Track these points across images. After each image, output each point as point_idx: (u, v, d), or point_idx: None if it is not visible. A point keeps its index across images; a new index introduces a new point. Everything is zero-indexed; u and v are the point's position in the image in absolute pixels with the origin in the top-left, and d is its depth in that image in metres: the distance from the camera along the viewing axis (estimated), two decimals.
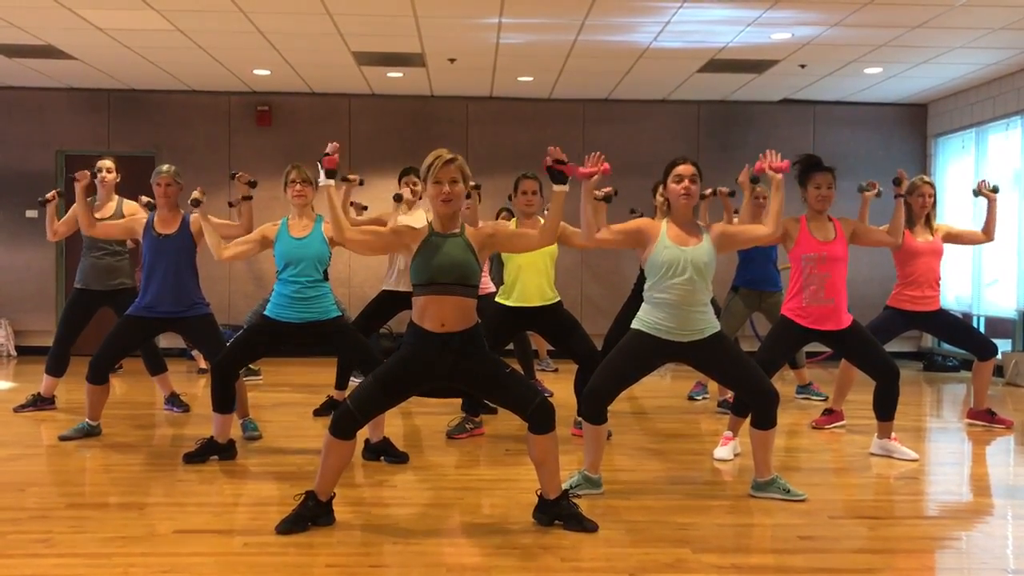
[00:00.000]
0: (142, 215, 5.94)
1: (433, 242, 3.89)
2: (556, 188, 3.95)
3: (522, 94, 10.19)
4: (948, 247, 6.24)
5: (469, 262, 3.88)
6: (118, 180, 6.59)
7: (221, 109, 10.41)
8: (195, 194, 5.24)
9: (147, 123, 10.32)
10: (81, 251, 6.63)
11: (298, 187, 5.24)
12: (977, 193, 6.31)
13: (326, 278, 5.26)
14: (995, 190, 6.22)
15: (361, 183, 6.26)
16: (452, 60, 8.63)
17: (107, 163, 6.57)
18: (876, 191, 5.67)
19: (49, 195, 6.32)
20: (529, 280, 5.65)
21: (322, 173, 4.08)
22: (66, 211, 6.46)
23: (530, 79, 9.50)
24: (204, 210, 5.27)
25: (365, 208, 7.52)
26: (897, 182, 5.64)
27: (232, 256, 5.17)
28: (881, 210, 6.16)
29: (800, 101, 10.40)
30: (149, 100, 10.31)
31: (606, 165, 4.19)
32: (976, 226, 6.57)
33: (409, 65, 8.90)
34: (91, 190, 5.94)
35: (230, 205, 5.27)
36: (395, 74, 9.34)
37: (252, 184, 5.56)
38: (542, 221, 5.68)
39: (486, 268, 6.49)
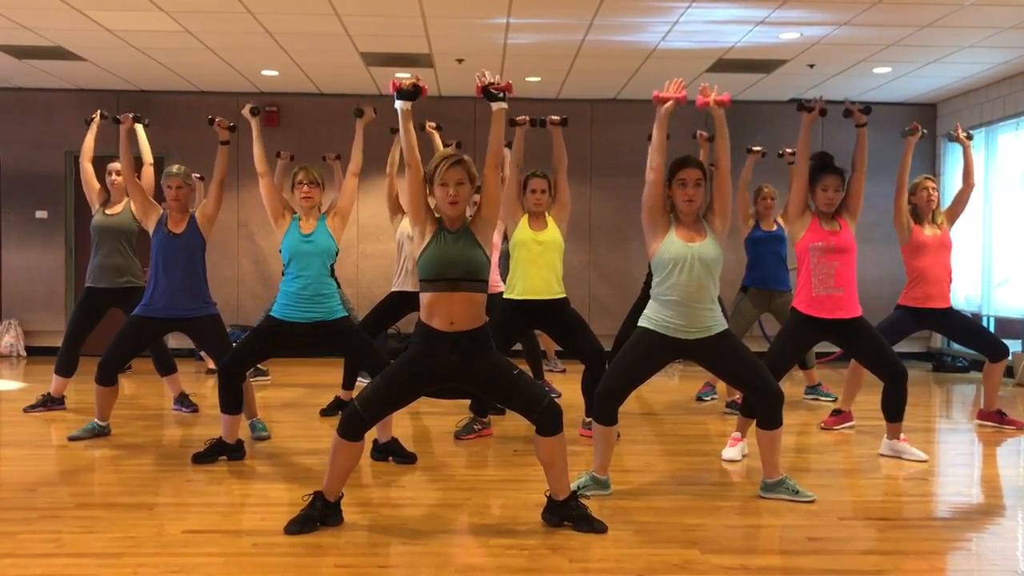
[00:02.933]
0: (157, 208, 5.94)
1: (441, 237, 3.88)
2: (494, 106, 3.98)
3: (530, 94, 10.17)
4: (957, 244, 6.22)
5: (477, 256, 3.88)
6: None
7: (229, 110, 10.34)
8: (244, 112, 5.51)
9: (156, 124, 10.21)
10: (91, 252, 6.67)
11: (305, 188, 5.24)
12: (952, 138, 6.37)
13: (333, 275, 5.27)
14: (969, 137, 6.33)
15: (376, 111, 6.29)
16: (460, 60, 8.64)
17: (117, 166, 6.59)
18: (920, 134, 5.87)
19: (94, 115, 6.71)
20: (535, 272, 5.65)
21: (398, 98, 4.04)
22: (75, 198, 6.67)
23: (538, 79, 9.49)
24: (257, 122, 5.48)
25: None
26: (846, 113, 5.49)
27: (262, 171, 5.33)
28: (884, 209, 6.15)
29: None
30: (158, 101, 10.33)
31: (683, 92, 4.28)
32: (976, 224, 6.57)
33: (417, 65, 8.90)
34: (133, 134, 6.10)
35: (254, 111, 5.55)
36: (403, 74, 9.32)
37: (232, 128, 5.67)
38: (550, 219, 5.75)
39: (495, 264, 6.49)
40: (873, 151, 10.70)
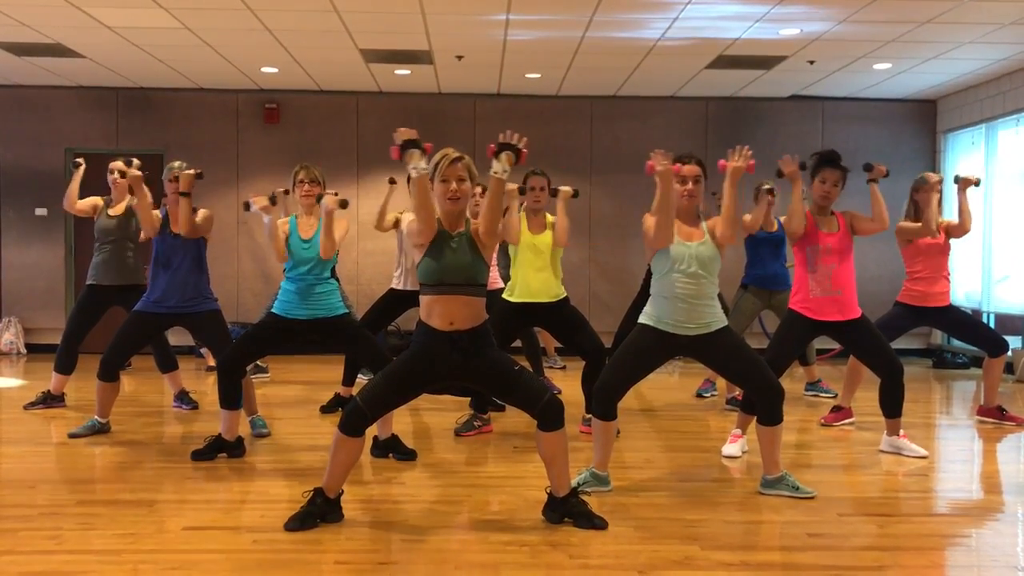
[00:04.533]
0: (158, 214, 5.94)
1: (442, 241, 3.88)
2: (491, 169, 3.80)
3: (530, 91, 10.18)
4: (956, 240, 6.21)
5: (477, 262, 3.88)
6: (146, 172, 6.60)
7: (229, 107, 10.42)
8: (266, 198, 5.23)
9: (156, 121, 10.35)
10: (92, 249, 6.67)
11: (306, 187, 5.24)
12: (958, 182, 6.17)
13: (333, 275, 5.28)
14: (976, 183, 6.23)
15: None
16: (460, 57, 8.63)
17: (119, 164, 6.58)
18: (884, 173, 5.58)
19: (80, 159, 6.74)
20: (536, 276, 5.65)
21: (413, 165, 3.74)
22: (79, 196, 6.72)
23: (538, 76, 9.49)
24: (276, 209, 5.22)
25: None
26: (867, 167, 5.49)
27: (277, 239, 5.11)
28: (892, 207, 6.13)
29: (809, 97, 10.37)
30: (158, 98, 10.33)
31: (752, 161, 4.24)
32: (979, 223, 6.56)
33: (417, 62, 8.90)
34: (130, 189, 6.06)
35: (246, 207, 5.25)
36: (403, 71, 9.34)
37: (199, 176, 5.48)
38: (549, 217, 5.75)
39: (494, 263, 6.49)
40: (873, 148, 10.75)
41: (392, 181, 6.87)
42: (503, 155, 3.83)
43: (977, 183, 6.08)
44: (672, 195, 4.20)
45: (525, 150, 3.89)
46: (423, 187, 3.75)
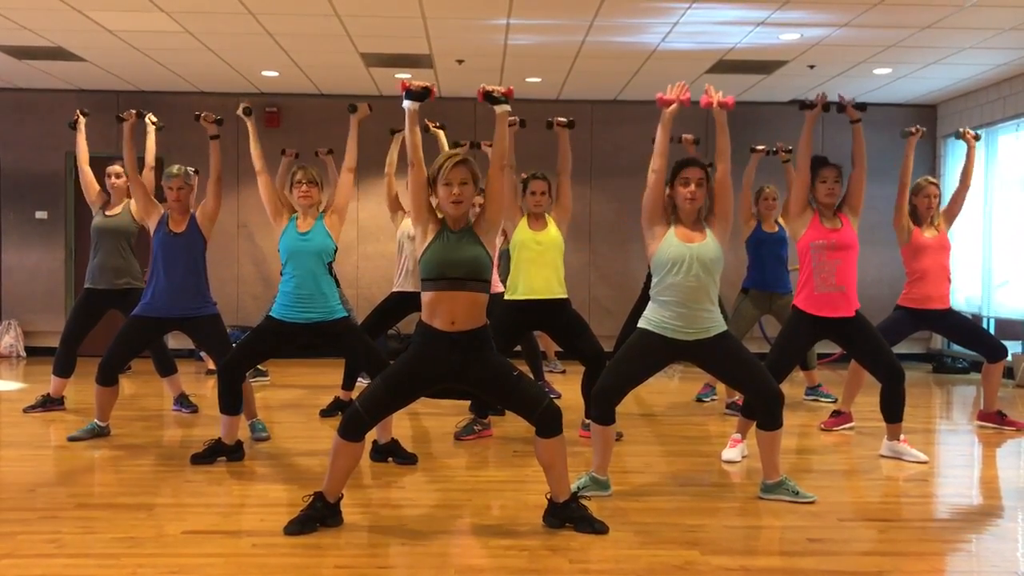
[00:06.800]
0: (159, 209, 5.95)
1: (444, 236, 3.88)
2: (497, 109, 4.00)
3: (530, 95, 10.17)
4: (957, 246, 6.23)
5: (480, 256, 3.87)
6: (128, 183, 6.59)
7: (230, 111, 10.38)
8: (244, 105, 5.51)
9: None
10: (90, 253, 6.66)
11: (304, 188, 5.24)
12: (959, 136, 6.40)
13: (331, 273, 5.27)
14: (977, 137, 6.37)
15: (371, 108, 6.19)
16: (460, 61, 8.64)
17: (116, 168, 6.59)
18: (920, 133, 5.92)
19: (76, 116, 6.69)
20: (536, 273, 5.65)
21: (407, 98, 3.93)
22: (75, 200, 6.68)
23: (538, 80, 9.49)
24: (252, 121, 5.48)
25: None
26: (839, 108, 5.36)
27: (260, 168, 5.32)
28: (885, 211, 6.15)
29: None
30: (158, 102, 10.29)
31: (687, 94, 4.27)
32: (981, 224, 6.58)
33: (417, 66, 8.90)
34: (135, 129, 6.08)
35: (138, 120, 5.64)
36: (403, 75, 9.35)
37: (219, 122, 5.62)
38: (550, 220, 5.75)
39: (495, 264, 6.49)
40: (873, 152, 10.69)
41: (393, 131, 6.73)
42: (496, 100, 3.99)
43: (922, 135, 6.00)
44: (667, 136, 4.34)
45: (511, 89, 4.03)
46: (412, 123, 3.93)
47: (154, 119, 6.43)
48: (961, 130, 6.46)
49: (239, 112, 5.53)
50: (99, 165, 6.75)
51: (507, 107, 4.02)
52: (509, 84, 4.18)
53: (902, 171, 5.91)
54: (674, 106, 4.33)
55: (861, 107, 5.25)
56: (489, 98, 4.00)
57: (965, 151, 6.39)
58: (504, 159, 4.06)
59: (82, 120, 6.68)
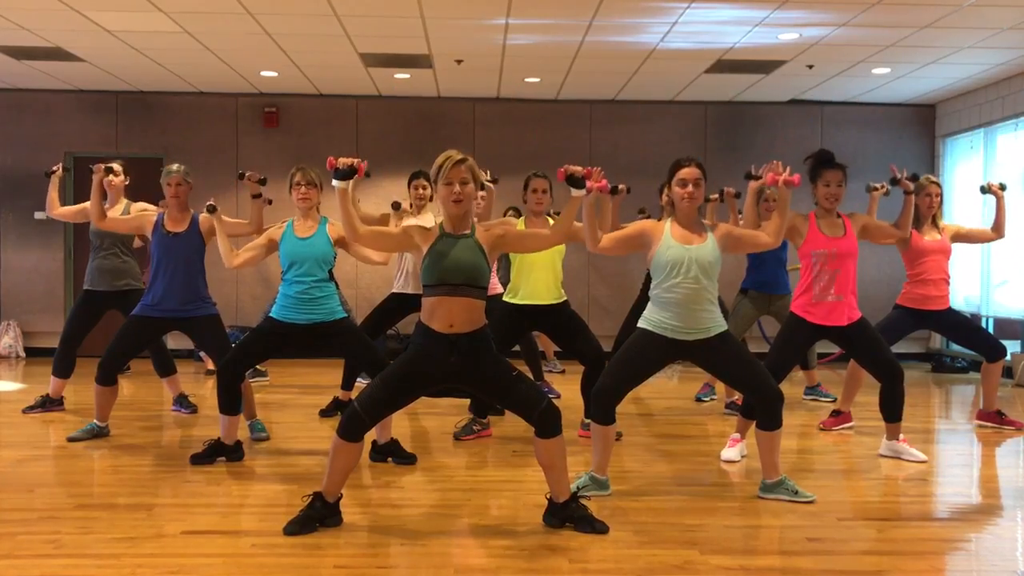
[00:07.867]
0: (152, 212, 5.96)
1: (443, 243, 3.89)
2: (574, 193, 3.98)
3: (529, 95, 10.18)
4: (957, 246, 6.23)
5: (479, 264, 3.88)
6: (126, 183, 6.59)
7: (229, 111, 10.43)
8: (209, 203, 5.39)
9: (155, 125, 10.35)
10: (89, 253, 6.66)
11: (303, 189, 5.23)
12: (985, 191, 6.33)
13: (331, 278, 5.27)
14: (1002, 187, 6.24)
15: (368, 175, 6.15)
16: (459, 61, 8.63)
17: (115, 166, 6.57)
18: (884, 190, 5.74)
19: (55, 167, 6.60)
20: (537, 277, 5.66)
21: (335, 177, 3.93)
22: (74, 201, 6.60)
23: (537, 80, 9.49)
24: (218, 215, 5.32)
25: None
26: (894, 182, 5.57)
27: (242, 263, 5.22)
28: (889, 208, 6.14)
29: (808, 102, 10.37)
30: (157, 102, 10.33)
31: (603, 182, 4.17)
32: (985, 225, 6.57)
33: (416, 66, 8.90)
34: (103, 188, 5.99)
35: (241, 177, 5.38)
36: (402, 75, 9.35)
37: (262, 182, 5.47)
38: (550, 220, 5.75)
39: (494, 268, 6.49)
40: (872, 152, 10.75)
41: (396, 206, 6.36)
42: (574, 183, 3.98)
43: (887, 193, 5.79)
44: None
45: (590, 170, 4.04)
46: (343, 201, 3.92)
47: (117, 169, 6.29)
48: (986, 184, 6.35)
49: (204, 211, 5.44)
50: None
51: (583, 192, 3.99)
52: (601, 176, 4.16)
53: (901, 224, 5.57)
54: (594, 193, 4.12)
55: (913, 178, 5.40)
56: (571, 180, 3.96)
57: (995, 201, 6.20)
58: (564, 237, 4.16)
59: (60, 175, 6.60)
